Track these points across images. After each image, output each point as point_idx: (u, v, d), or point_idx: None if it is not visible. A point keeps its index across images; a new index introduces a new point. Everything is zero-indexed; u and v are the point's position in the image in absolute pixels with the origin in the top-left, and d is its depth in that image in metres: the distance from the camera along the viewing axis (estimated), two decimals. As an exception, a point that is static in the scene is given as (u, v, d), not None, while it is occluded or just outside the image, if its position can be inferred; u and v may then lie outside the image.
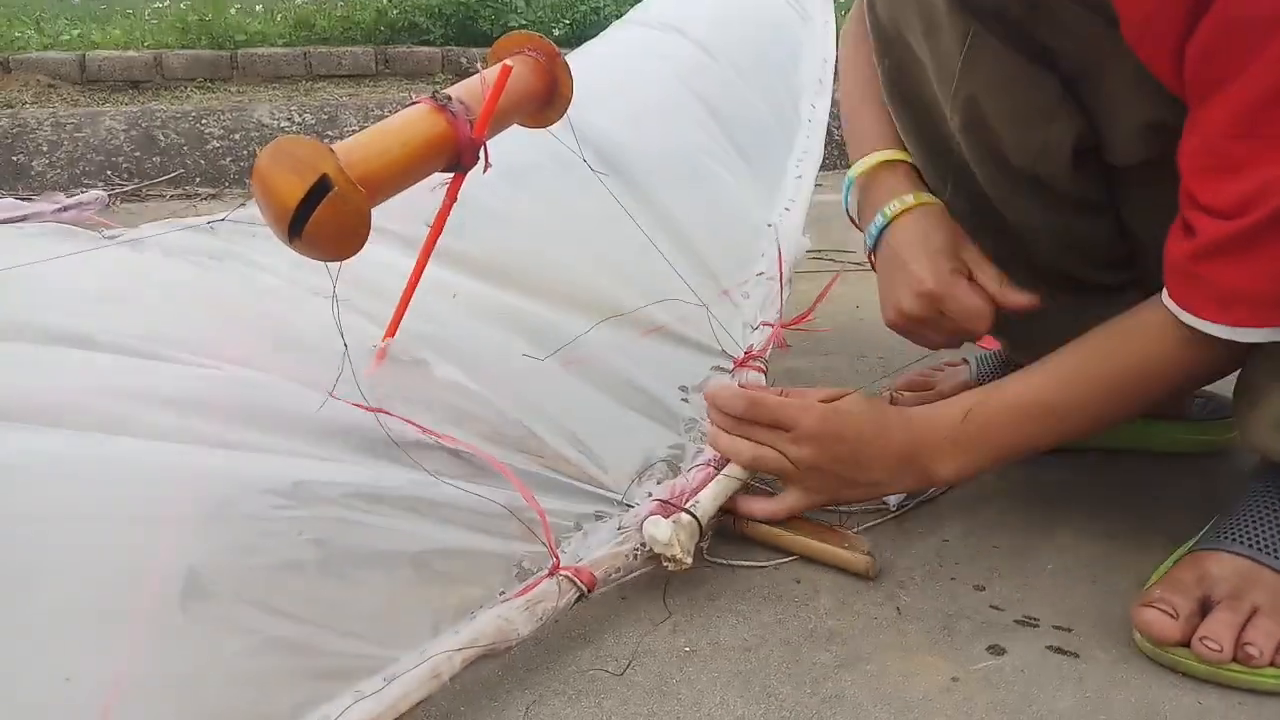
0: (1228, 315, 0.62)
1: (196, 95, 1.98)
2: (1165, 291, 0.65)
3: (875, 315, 0.92)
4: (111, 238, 0.87)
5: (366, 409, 0.66)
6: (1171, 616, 0.62)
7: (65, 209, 1.34)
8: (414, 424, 0.68)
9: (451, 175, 0.70)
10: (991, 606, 0.69)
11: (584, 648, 0.64)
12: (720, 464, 0.75)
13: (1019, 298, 0.76)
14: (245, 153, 1.85)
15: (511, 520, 0.66)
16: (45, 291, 0.76)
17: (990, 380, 0.95)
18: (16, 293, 0.74)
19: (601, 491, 0.73)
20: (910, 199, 0.79)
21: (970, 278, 0.77)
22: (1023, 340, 0.91)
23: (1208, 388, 0.92)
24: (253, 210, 0.93)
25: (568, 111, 0.77)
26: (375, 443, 0.68)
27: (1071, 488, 0.85)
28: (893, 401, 0.97)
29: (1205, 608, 0.64)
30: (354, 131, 0.75)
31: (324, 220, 0.56)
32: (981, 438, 0.71)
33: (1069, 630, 0.67)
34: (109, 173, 1.78)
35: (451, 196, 0.71)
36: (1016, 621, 0.68)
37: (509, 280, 0.90)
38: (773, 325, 0.99)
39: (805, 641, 0.65)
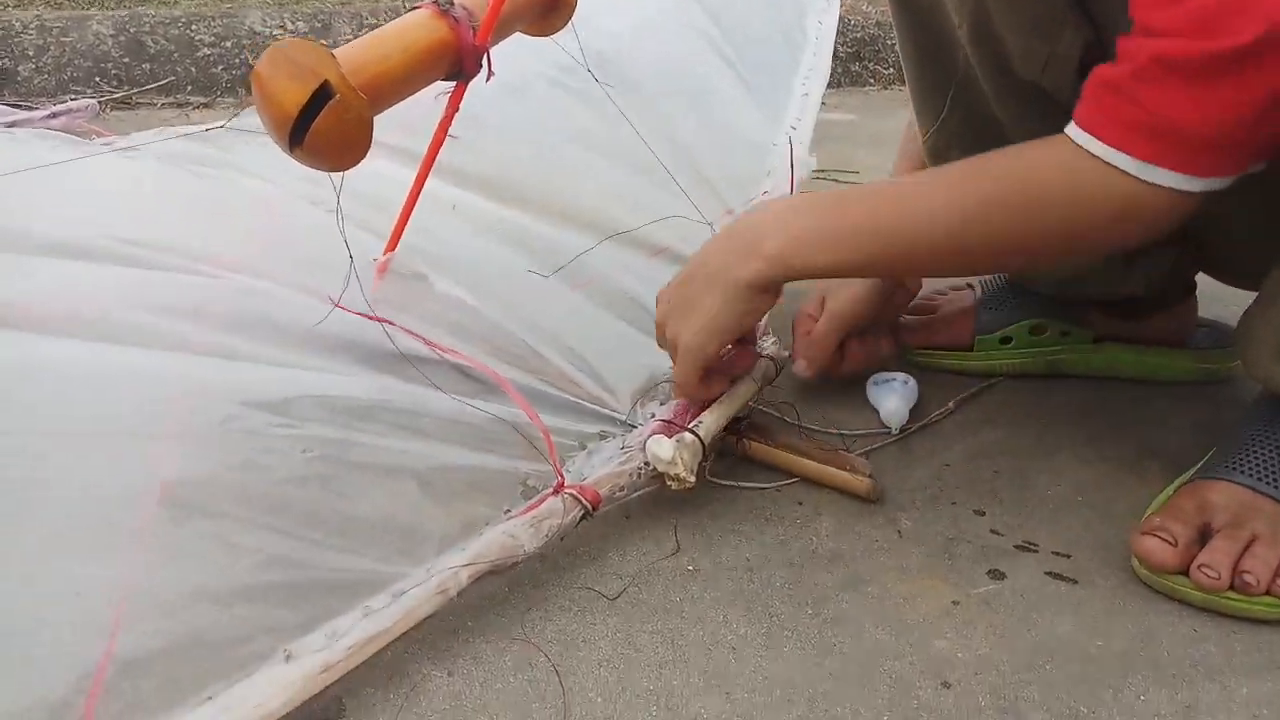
0: (1149, 147, 0.57)
1: (185, 1, 1.92)
2: (1073, 121, 0.61)
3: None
4: (106, 144, 0.85)
5: (375, 319, 0.66)
6: (1170, 544, 0.63)
7: (55, 115, 1.31)
8: (421, 338, 0.67)
9: (453, 84, 0.68)
10: (992, 531, 0.69)
11: (589, 565, 0.64)
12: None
13: (800, 368, 0.84)
14: (237, 61, 1.79)
15: (516, 438, 0.66)
16: (39, 199, 0.74)
17: (995, 306, 0.94)
18: (10, 200, 0.72)
19: (605, 411, 0.73)
20: None
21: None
22: None
23: (1211, 317, 0.92)
24: (249, 119, 0.91)
25: (571, 21, 0.75)
26: (376, 356, 0.67)
27: (1073, 415, 0.85)
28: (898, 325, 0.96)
29: (1204, 537, 0.64)
30: (348, 40, 0.73)
31: (326, 128, 0.55)
32: (820, 206, 0.68)
33: (1068, 556, 0.67)
34: (98, 79, 1.73)
35: (453, 106, 0.69)
36: (1016, 547, 0.68)
37: (510, 196, 0.88)
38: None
39: (807, 562, 0.65)
